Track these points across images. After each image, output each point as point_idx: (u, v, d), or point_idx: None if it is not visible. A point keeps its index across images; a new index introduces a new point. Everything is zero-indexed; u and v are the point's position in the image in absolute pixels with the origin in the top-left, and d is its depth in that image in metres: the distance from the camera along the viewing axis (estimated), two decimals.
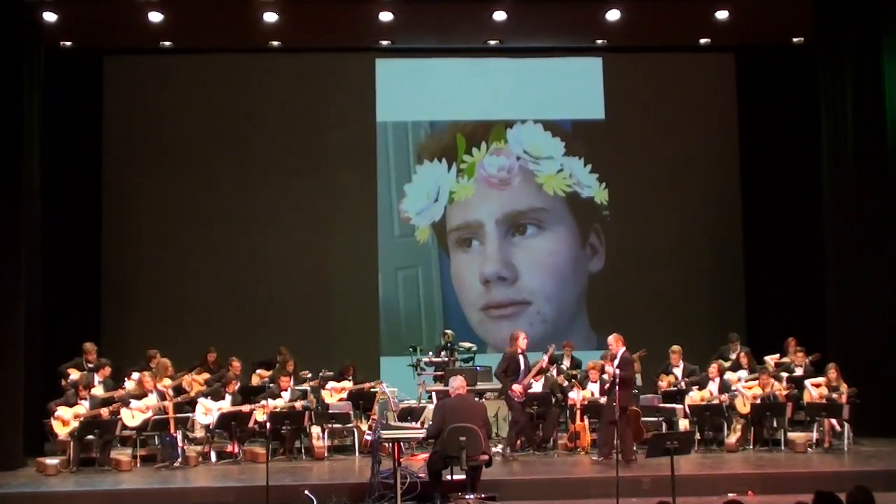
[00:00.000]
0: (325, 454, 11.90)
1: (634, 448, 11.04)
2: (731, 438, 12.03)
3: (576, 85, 16.29)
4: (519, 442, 11.70)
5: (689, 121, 16.15)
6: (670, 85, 16.12)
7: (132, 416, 11.61)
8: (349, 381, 13.04)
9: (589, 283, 16.20)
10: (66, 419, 11.37)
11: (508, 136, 16.30)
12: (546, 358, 11.92)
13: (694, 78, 16.20)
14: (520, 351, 11.73)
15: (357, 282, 15.91)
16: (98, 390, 12.06)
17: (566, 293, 16.17)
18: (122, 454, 11.53)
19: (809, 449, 11.82)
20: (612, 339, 11.41)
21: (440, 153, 16.25)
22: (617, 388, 10.84)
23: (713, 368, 12.58)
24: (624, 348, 11.33)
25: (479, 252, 16.16)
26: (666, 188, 16.04)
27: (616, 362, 11.13)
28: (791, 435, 12.03)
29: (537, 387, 12.08)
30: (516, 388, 11.48)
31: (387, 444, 10.04)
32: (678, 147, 16.04)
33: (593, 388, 12.23)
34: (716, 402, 12.16)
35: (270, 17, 13.74)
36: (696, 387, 12.57)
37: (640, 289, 15.83)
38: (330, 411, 12.31)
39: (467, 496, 9.53)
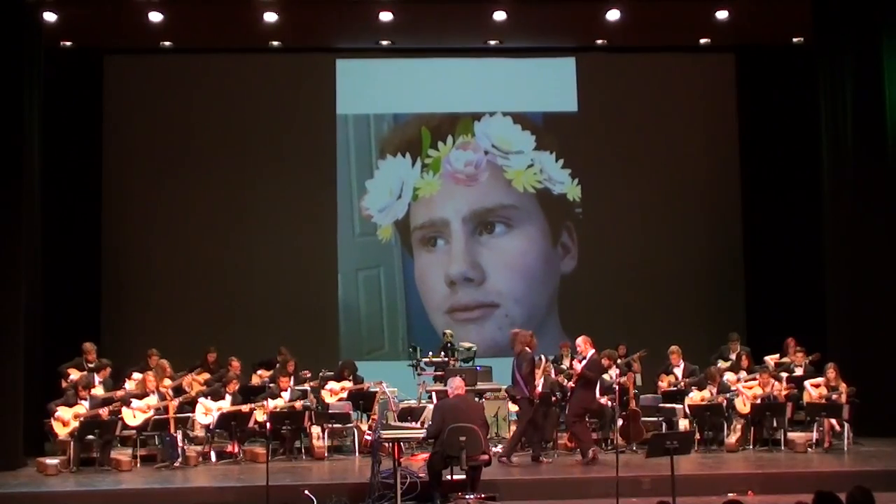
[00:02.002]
0: (325, 454, 11.90)
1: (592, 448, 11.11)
2: (731, 438, 12.03)
3: (550, 81, 15.97)
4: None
5: (688, 120, 16.12)
6: (670, 85, 16.08)
7: (133, 415, 11.61)
8: (349, 381, 13.04)
9: (561, 285, 15.90)
10: (66, 419, 11.37)
11: (476, 130, 15.89)
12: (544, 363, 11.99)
13: (694, 78, 16.18)
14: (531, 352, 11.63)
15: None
16: (98, 390, 12.06)
17: (536, 295, 15.74)
18: (122, 454, 11.53)
19: (809, 449, 11.81)
20: (580, 340, 11.39)
21: (404, 147, 15.90)
22: (580, 388, 11.00)
23: (713, 372, 12.56)
24: (593, 350, 11.29)
25: (444, 252, 15.69)
26: (662, 188, 15.97)
27: (584, 363, 11.14)
28: (791, 435, 12.03)
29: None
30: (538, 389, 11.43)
31: (387, 444, 10.03)
32: (677, 147, 16.01)
33: None
34: (716, 402, 12.16)
35: (270, 17, 13.75)
36: (696, 387, 12.56)
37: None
38: (330, 411, 12.32)
39: (467, 496, 9.53)
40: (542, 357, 11.99)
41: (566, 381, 12.70)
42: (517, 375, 11.35)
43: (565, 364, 13.64)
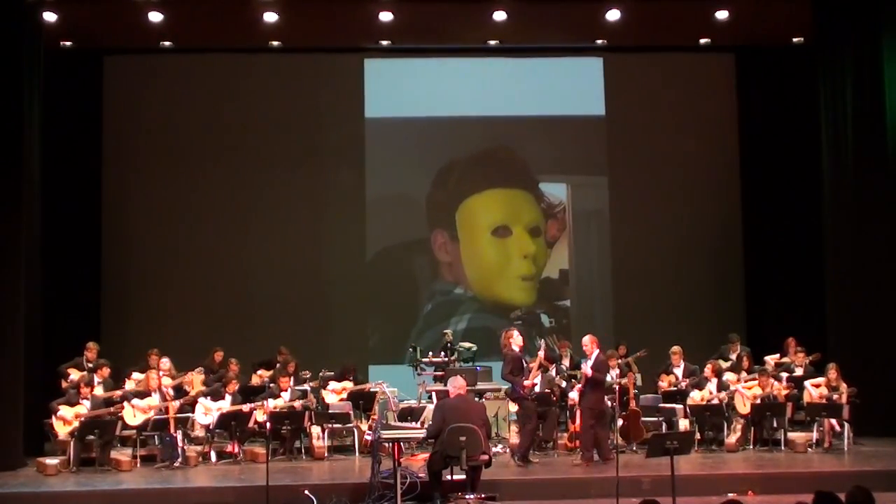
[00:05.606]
0: (325, 454, 11.90)
1: (612, 447, 11.05)
2: (731, 438, 12.03)
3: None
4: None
5: (688, 121, 16.09)
6: (669, 85, 16.06)
7: (133, 415, 11.61)
8: (350, 381, 13.05)
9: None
10: (67, 419, 11.38)
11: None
12: (542, 354, 11.92)
13: (694, 78, 16.17)
14: (519, 350, 11.62)
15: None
16: (98, 390, 12.06)
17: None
18: (122, 454, 11.54)
19: (809, 449, 11.82)
20: (587, 339, 11.32)
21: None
22: (590, 390, 10.97)
23: (708, 369, 12.56)
24: (598, 350, 11.27)
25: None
26: (661, 188, 15.95)
27: (590, 363, 11.10)
28: (791, 435, 12.03)
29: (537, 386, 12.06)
30: (527, 383, 11.39)
31: (387, 444, 10.03)
32: (677, 147, 15.97)
33: None
34: (715, 402, 12.16)
35: (270, 17, 13.76)
36: (696, 387, 12.56)
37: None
38: (330, 411, 12.32)
39: (467, 496, 9.52)
40: (540, 353, 11.99)
41: (565, 381, 12.74)
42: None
43: (565, 364, 13.67)
